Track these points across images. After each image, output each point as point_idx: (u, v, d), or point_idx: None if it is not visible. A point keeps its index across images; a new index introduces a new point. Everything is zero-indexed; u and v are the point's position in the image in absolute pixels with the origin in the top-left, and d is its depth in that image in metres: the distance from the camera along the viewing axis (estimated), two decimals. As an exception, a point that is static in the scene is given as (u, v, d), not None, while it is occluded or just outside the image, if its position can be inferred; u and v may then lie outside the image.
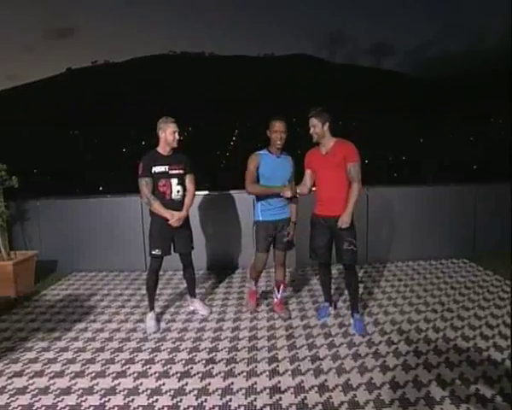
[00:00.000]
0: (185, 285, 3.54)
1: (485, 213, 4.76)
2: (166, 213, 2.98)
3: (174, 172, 3.05)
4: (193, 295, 3.48)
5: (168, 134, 3.00)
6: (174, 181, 3.05)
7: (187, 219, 3.20)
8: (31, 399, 2.27)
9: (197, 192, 4.61)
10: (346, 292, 3.71)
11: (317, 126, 2.84)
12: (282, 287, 3.30)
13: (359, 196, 2.82)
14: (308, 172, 3.06)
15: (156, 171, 2.98)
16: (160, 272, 3.22)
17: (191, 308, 3.49)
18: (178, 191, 3.07)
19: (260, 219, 3.08)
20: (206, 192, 4.62)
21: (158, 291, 3.37)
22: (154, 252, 3.07)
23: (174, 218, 3.00)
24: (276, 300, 3.35)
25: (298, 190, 3.00)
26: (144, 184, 2.95)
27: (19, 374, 2.53)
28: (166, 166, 3.02)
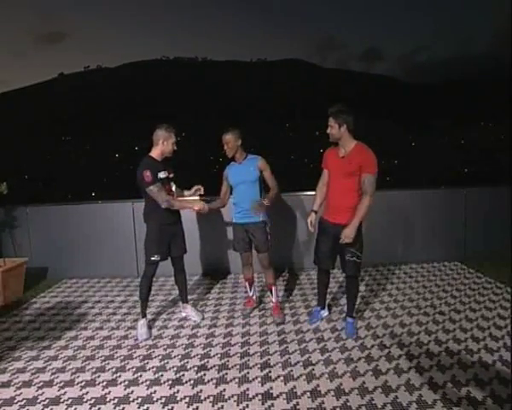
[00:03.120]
0: (177, 291, 3.52)
1: (475, 216, 4.81)
2: (194, 204, 3.04)
3: (171, 176, 3.13)
4: (185, 300, 3.46)
5: (170, 144, 3.02)
6: (173, 185, 3.14)
7: (181, 222, 3.23)
8: (18, 410, 2.23)
9: (189, 198, 4.60)
10: (339, 297, 3.73)
11: (334, 128, 2.70)
12: (274, 289, 3.31)
13: (369, 209, 2.68)
14: (325, 171, 2.96)
15: (161, 176, 3.00)
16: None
17: (183, 314, 3.46)
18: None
19: (233, 221, 3.28)
20: (197, 197, 4.59)
21: (150, 297, 3.34)
22: (153, 258, 3.05)
23: (202, 207, 3.05)
24: (272, 303, 3.37)
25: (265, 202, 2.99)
26: (158, 190, 2.92)
27: (6, 385, 2.48)
28: (165, 172, 3.06)
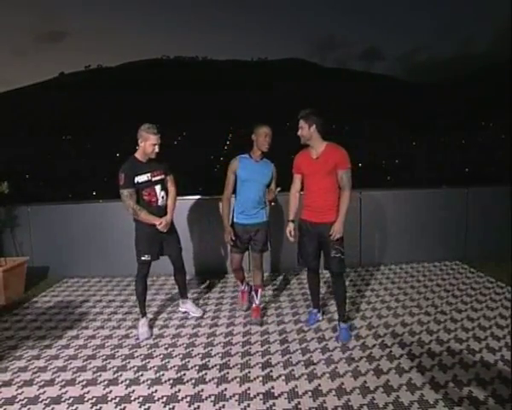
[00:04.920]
0: (178, 290, 3.52)
1: (476, 216, 4.81)
2: (154, 220, 2.96)
3: (156, 178, 3.01)
4: (184, 296, 3.48)
5: (147, 146, 2.91)
6: (158, 188, 3.02)
7: (172, 222, 3.18)
8: (19, 409, 2.22)
9: (189, 197, 4.59)
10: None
11: (304, 129, 2.79)
12: (259, 291, 3.29)
13: (350, 202, 2.78)
14: (298, 176, 3.00)
15: (139, 181, 2.91)
16: (153, 278, 3.21)
17: (182, 310, 3.48)
18: (163, 197, 3.06)
19: (235, 220, 3.18)
20: (198, 197, 4.61)
21: (150, 297, 3.34)
22: (143, 258, 3.04)
23: (162, 224, 2.97)
24: (254, 305, 3.33)
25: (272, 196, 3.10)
26: (127, 195, 2.86)
27: (7, 384, 2.48)
28: (148, 174, 2.96)
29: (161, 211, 3.03)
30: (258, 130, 3.02)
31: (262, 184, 3.09)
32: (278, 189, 3.14)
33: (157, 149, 2.95)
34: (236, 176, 3.10)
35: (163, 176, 3.07)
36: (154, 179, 2.98)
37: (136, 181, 2.90)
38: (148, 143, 2.91)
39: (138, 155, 2.98)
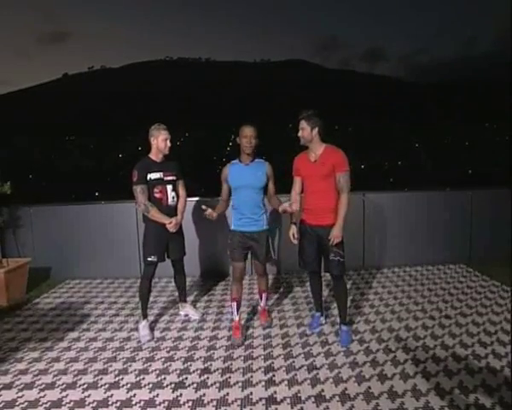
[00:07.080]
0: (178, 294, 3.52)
1: (481, 218, 4.76)
2: (164, 219, 2.98)
3: (168, 178, 3.07)
4: (184, 300, 3.49)
5: (160, 141, 3.02)
6: (169, 187, 3.07)
7: (180, 225, 3.20)
8: (20, 412, 2.21)
9: (191, 198, 4.57)
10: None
11: (306, 130, 2.76)
12: (264, 295, 3.25)
13: (348, 206, 2.73)
14: (298, 179, 2.96)
15: (152, 178, 2.99)
16: (155, 280, 3.19)
17: (182, 313, 3.48)
18: (173, 197, 3.10)
19: (232, 228, 3.00)
20: (200, 198, 4.58)
21: (152, 299, 3.33)
22: (149, 259, 3.05)
23: (172, 223, 2.99)
24: (259, 308, 3.33)
25: (282, 208, 2.79)
26: (140, 191, 2.94)
27: (8, 386, 2.46)
28: (161, 173, 3.03)
29: (171, 211, 3.07)
30: (240, 132, 2.86)
31: (256, 188, 2.88)
32: (286, 204, 2.76)
33: (169, 144, 3.06)
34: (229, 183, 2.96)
35: (174, 178, 3.13)
36: (166, 179, 3.05)
37: (148, 178, 2.97)
38: (160, 138, 3.01)
39: (152, 155, 3.07)
